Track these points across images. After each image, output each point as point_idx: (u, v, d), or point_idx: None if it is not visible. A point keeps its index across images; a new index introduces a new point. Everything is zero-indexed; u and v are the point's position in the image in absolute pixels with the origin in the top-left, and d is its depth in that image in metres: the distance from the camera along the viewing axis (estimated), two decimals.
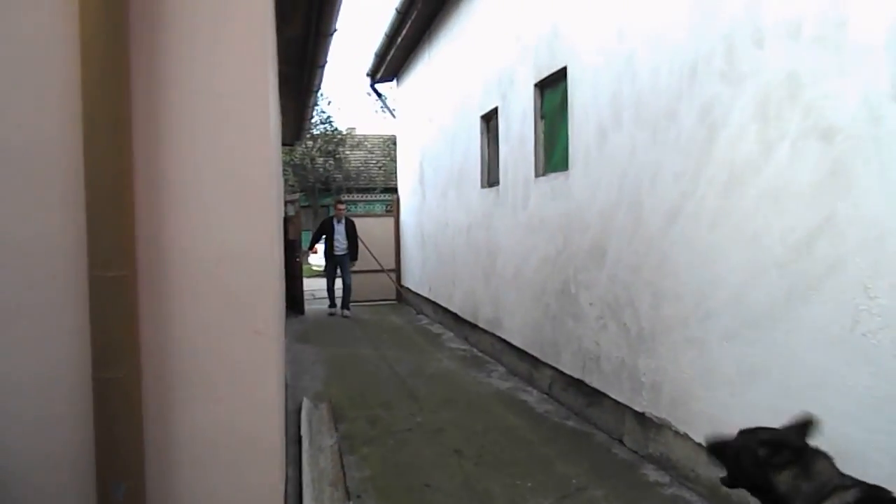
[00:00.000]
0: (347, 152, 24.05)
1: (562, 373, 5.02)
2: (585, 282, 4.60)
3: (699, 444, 3.39)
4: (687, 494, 3.46)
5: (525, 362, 5.80)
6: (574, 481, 3.69)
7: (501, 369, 6.35)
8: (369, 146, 25.44)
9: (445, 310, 8.62)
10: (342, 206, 10.10)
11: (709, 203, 3.29)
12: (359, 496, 3.51)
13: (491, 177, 6.81)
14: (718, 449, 2.14)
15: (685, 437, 3.54)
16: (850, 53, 2.50)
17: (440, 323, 9.01)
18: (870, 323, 2.41)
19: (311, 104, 8.25)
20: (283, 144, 9.73)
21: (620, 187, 4.11)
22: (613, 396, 4.27)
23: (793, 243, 2.75)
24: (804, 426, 1.98)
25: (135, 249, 1.97)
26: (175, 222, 2.06)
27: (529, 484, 3.67)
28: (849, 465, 1.84)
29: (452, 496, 3.54)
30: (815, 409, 2.27)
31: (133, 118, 1.96)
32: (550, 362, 5.22)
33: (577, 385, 4.77)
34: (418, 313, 10.17)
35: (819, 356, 2.64)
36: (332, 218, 9.98)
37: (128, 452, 1.96)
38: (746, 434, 2.05)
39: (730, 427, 2.64)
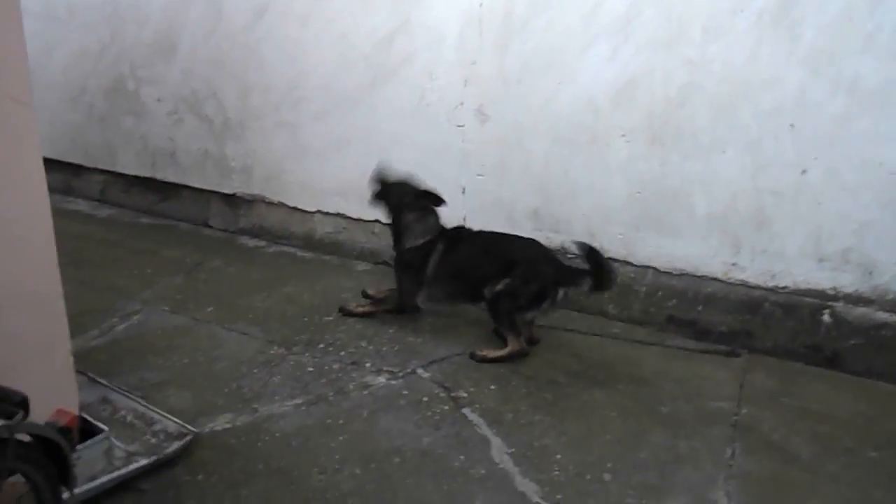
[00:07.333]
0: None
1: (121, 174, 4.96)
2: (149, 77, 4.56)
3: (293, 208, 4.27)
4: (286, 249, 4.32)
5: (60, 173, 5.30)
6: (188, 260, 4.08)
7: None
8: None
9: None
10: None
11: (299, 3, 3.87)
12: None
13: None
14: (381, 180, 3.18)
15: (279, 205, 4.33)
16: None
17: None
18: (431, 97, 3.63)
19: None
20: None
21: None
22: (195, 185, 4.63)
23: (377, 41, 3.69)
24: (429, 191, 3.12)
25: None
26: None
27: (150, 270, 3.90)
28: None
29: (86, 290, 3.48)
30: (392, 161, 3.41)
31: None
32: (101, 167, 5.03)
33: (146, 183, 4.86)
34: None
35: (395, 125, 3.78)
36: None
37: None
38: (402, 183, 3.15)
39: (320, 187, 3.77)
